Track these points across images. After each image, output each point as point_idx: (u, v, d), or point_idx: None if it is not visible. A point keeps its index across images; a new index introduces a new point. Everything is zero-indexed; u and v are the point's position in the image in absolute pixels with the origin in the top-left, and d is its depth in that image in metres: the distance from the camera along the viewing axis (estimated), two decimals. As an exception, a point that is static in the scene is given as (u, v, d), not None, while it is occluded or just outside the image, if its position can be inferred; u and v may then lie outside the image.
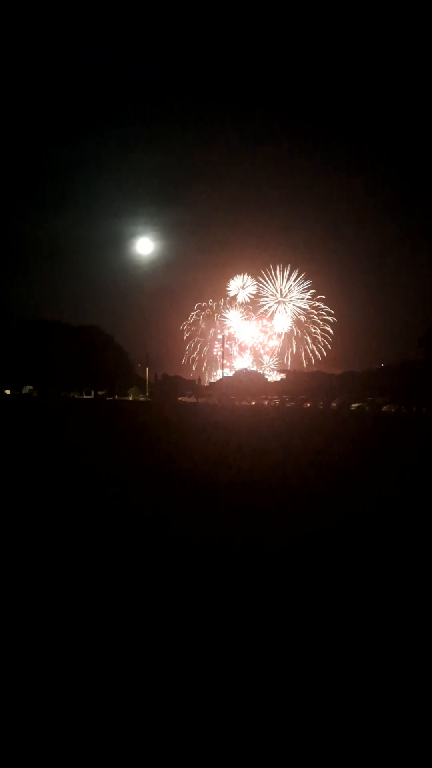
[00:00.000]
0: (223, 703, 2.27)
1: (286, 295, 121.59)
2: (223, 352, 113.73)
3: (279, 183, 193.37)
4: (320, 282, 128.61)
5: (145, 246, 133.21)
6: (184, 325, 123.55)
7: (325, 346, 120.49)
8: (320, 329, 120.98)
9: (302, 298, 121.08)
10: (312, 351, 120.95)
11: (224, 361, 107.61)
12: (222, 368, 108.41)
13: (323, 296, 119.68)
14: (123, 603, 3.22)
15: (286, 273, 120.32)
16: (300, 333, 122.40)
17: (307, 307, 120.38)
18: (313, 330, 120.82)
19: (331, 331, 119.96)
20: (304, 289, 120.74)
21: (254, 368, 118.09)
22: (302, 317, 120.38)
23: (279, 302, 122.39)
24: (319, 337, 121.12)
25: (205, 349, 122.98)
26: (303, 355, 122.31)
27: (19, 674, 2.46)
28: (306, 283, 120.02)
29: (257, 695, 2.33)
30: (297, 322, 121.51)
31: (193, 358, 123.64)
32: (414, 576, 3.90)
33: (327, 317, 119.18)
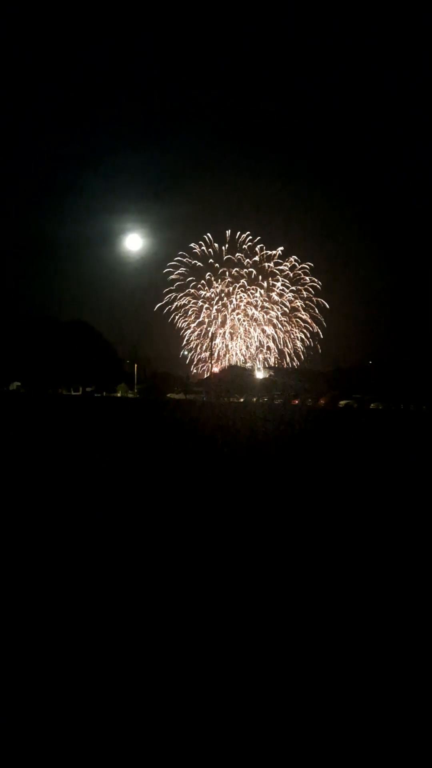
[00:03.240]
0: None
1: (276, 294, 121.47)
2: (210, 351, 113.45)
3: (273, 181, 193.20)
4: (317, 277, 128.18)
5: (134, 242, 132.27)
6: (178, 323, 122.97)
7: (315, 344, 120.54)
8: (309, 326, 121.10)
9: (295, 297, 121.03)
10: (301, 348, 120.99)
11: (210, 362, 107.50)
12: (210, 364, 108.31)
13: (315, 281, 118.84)
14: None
15: (277, 254, 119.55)
16: (289, 330, 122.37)
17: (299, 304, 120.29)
18: (302, 329, 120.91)
19: (321, 328, 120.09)
20: (296, 287, 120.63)
21: (246, 364, 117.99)
22: (295, 306, 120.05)
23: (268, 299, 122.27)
24: (308, 335, 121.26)
25: (190, 344, 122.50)
26: (292, 351, 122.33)
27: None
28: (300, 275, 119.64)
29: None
30: (291, 315, 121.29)
31: (184, 355, 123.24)
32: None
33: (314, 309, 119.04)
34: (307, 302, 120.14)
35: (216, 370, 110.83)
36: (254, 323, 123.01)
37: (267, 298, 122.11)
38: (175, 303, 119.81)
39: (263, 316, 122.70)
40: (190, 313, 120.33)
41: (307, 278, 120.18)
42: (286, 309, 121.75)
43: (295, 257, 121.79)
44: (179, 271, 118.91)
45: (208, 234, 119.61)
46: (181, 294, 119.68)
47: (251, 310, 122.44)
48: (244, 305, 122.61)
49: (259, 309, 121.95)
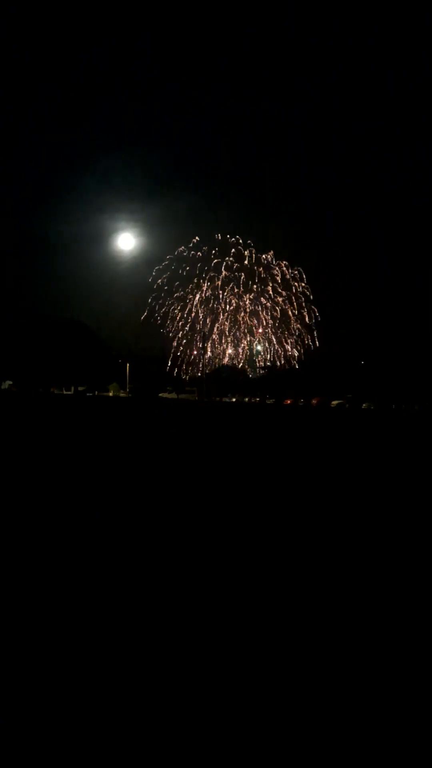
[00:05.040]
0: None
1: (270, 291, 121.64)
2: (205, 349, 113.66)
3: (267, 184, 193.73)
4: (310, 275, 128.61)
5: (126, 241, 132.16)
6: (169, 325, 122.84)
7: (308, 343, 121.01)
8: (303, 325, 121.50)
9: (286, 295, 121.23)
10: (292, 352, 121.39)
11: (203, 362, 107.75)
12: (202, 364, 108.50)
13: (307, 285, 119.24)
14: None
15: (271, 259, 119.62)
16: (283, 329, 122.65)
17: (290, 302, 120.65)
18: (298, 316, 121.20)
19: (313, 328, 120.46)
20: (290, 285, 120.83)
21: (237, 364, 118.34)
22: (288, 311, 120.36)
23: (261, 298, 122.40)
24: (303, 333, 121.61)
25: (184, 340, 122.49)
26: (284, 354, 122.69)
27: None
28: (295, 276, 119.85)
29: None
30: (281, 319, 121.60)
31: (178, 355, 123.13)
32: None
33: (308, 309, 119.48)
34: (298, 310, 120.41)
35: (208, 370, 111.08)
36: (244, 326, 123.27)
37: (258, 302, 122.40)
38: (164, 308, 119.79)
39: (254, 319, 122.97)
40: (180, 316, 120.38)
41: (297, 284, 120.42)
42: (276, 314, 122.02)
43: (285, 262, 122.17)
44: (168, 274, 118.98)
45: (197, 237, 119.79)
46: (172, 297, 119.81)
47: (242, 313, 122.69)
48: (234, 309, 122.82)
49: (248, 313, 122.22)
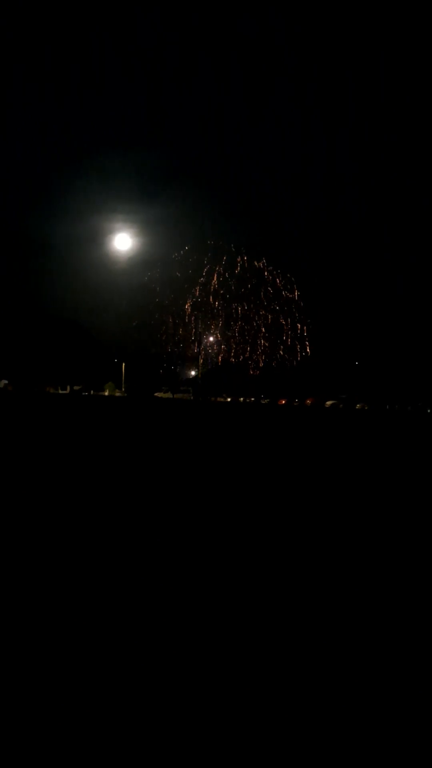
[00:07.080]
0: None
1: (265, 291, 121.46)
2: (199, 351, 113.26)
3: (262, 183, 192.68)
4: (302, 281, 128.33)
5: (123, 242, 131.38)
6: (163, 329, 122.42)
7: (303, 343, 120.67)
8: (297, 326, 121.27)
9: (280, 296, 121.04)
10: (289, 347, 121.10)
11: (199, 362, 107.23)
12: (198, 364, 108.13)
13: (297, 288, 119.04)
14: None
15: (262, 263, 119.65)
16: (276, 329, 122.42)
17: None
18: (290, 327, 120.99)
19: (308, 328, 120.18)
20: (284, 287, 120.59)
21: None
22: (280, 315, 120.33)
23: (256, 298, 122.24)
24: (297, 334, 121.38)
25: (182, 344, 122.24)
26: (280, 351, 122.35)
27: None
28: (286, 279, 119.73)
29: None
30: (273, 327, 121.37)
31: (174, 354, 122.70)
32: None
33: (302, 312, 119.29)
34: (291, 320, 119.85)
35: (203, 371, 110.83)
36: (237, 330, 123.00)
37: (249, 309, 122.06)
38: (159, 310, 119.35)
39: (246, 325, 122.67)
40: (173, 319, 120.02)
41: (287, 294, 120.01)
42: (268, 322, 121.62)
43: (278, 270, 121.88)
44: (161, 277, 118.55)
45: (187, 246, 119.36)
46: (166, 300, 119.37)
47: (234, 317, 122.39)
48: (226, 315, 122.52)
49: (241, 319, 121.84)
